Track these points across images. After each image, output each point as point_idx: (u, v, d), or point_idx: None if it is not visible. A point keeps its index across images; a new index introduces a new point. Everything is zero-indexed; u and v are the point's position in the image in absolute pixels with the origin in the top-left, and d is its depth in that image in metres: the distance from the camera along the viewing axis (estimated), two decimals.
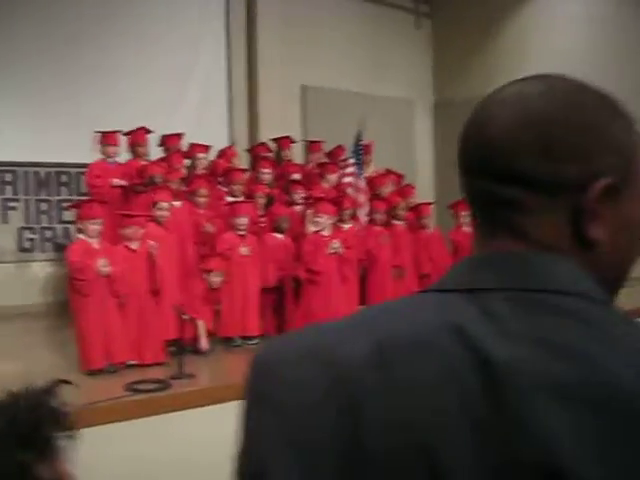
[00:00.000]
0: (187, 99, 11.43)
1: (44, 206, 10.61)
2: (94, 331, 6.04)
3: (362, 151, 8.01)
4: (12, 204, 10.38)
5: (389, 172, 9.46)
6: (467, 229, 8.95)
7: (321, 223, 7.61)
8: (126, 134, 8.23)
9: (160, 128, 8.86)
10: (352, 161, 7.85)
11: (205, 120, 11.44)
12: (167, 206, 6.86)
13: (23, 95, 10.23)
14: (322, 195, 8.10)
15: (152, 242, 6.48)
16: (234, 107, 12.15)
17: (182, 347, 6.15)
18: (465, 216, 8.95)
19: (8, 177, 10.41)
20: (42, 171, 10.53)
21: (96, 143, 7.87)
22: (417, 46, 14.81)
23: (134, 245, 6.47)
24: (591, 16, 13.07)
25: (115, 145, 7.90)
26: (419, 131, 14.83)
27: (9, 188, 10.40)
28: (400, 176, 9.51)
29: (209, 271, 6.88)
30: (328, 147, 10.82)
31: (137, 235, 6.47)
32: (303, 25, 12.78)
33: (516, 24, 13.97)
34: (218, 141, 10.41)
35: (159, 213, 6.78)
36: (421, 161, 14.80)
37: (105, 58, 10.81)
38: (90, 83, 10.66)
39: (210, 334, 7.03)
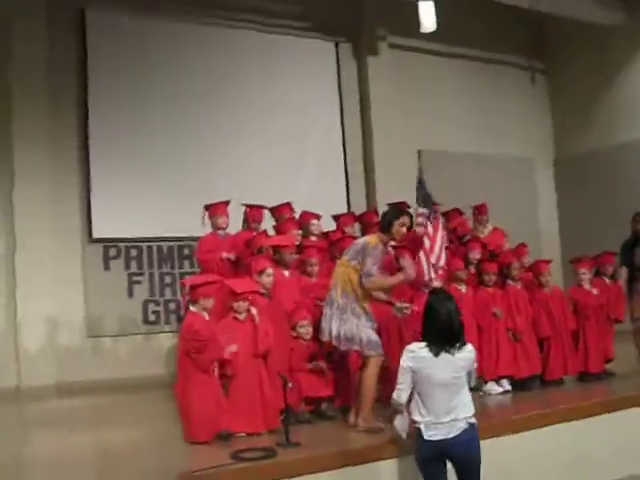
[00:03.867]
0: (304, 167, 11.68)
1: (168, 279, 10.99)
2: (198, 403, 6.17)
3: (428, 198, 7.73)
4: (137, 278, 10.81)
5: (498, 231, 9.28)
6: (587, 286, 8.69)
7: None
8: (246, 207, 8.38)
9: (277, 197, 8.99)
10: (421, 211, 7.59)
11: (322, 188, 11.65)
12: (270, 273, 6.96)
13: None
14: None
15: (254, 310, 6.58)
16: (351, 174, 12.30)
17: (288, 415, 6.16)
18: (585, 273, 8.73)
19: (133, 252, 10.87)
20: (165, 245, 10.92)
21: (205, 216, 8.04)
22: (533, 103, 14.65)
23: (241, 316, 6.59)
24: None
25: (223, 216, 8.01)
26: (541, 188, 14.56)
27: (134, 263, 10.86)
28: (505, 234, 9.28)
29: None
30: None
31: (244, 308, 6.59)
32: (414, 88, 12.90)
33: (632, 73, 13.64)
34: (337, 209, 10.48)
35: (263, 280, 6.90)
36: (545, 219, 14.50)
37: (222, 134, 11.26)
38: (219, 156, 11.13)
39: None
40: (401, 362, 5.12)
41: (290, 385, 6.15)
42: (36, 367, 9.87)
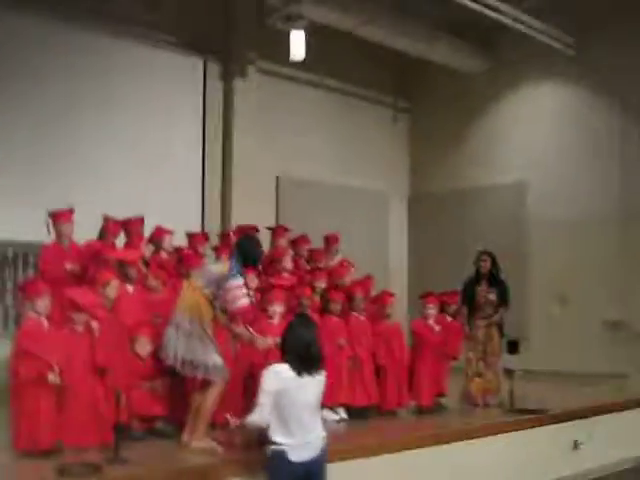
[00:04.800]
0: (160, 185, 11.53)
1: (9, 284, 10.60)
2: (27, 413, 5.99)
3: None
4: None
5: (347, 263, 9.47)
6: (431, 322, 8.97)
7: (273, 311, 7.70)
8: (107, 220, 8.22)
9: (131, 209, 8.86)
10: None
11: (178, 205, 11.56)
12: (114, 286, 6.88)
13: None
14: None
15: (94, 323, 6.47)
16: (208, 193, 12.27)
17: (119, 431, 6.07)
18: (432, 309, 9.01)
19: None
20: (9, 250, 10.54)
21: (49, 223, 7.79)
22: (393, 140, 15.08)
23: (80, 328, 6.46)
24: (563, 111, 13.38)
25: (68, 224, 7.75)
26: (393, 223, 14.98)
27: None
28: (351, 266, 9.47)
29: None
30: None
31: (83, 320, 6.46)
32: (280, 115, 13.02)
33: (491, 120, 14.35)
34: (190, 227, 10.40)
35: (106, 293, 6.80)
36: (395, 253, 14.91)
37: (81, 143, 11.00)
38: (63, 166, 10.83)
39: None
40: (263, 383, 5.13)
41: (123, 401, 6.08)
42: None
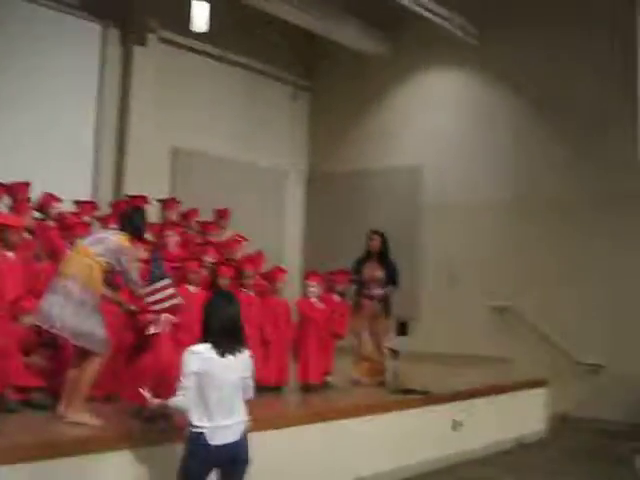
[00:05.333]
0: (52, 152, 11.21)
1: None
2: None
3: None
4: None
5: (240, 237, 9.42)
6: (314, 300, 8.99)
7: None
8: None
9: (19, 174, 8.58)
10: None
11: (68, 172, 11.28)
12: None
13: None
14: None
15: None
16: (101, 162, 11.99)
17: None
18: (314, 286, 9.03)
19: None
20: None
21: None
22: (293, 118, 15.04)
23: None
24: (461, 98, 13.61)
25: None
26: (290, 201, 14.97)
27: None
28: (242, 241, 9.42)
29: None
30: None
31: None
32: (179, 86, 12.83)
33: (390, 103, 14.47)
34: (81, 195, 10.15)
35: None
36: (291, 232, 14.92)
37: None
38: None
39: None
40: (184, 364, 4.90)
41: None
42: None
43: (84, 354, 6.29)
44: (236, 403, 5.01)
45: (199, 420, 4.91)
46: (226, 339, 4.94)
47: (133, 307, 6.83)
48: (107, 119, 12.09)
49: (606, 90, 12.13)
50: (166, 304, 6.70)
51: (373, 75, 14.52)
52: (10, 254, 7.13)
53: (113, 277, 6.69)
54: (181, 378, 4.92)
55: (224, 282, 8.33)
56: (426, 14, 12.13)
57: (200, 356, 4.89)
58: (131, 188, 11.41)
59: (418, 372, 10.13)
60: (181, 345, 6.71)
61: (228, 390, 4.93)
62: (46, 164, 10.74)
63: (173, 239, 8.87)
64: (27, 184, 8.44)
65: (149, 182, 11.60)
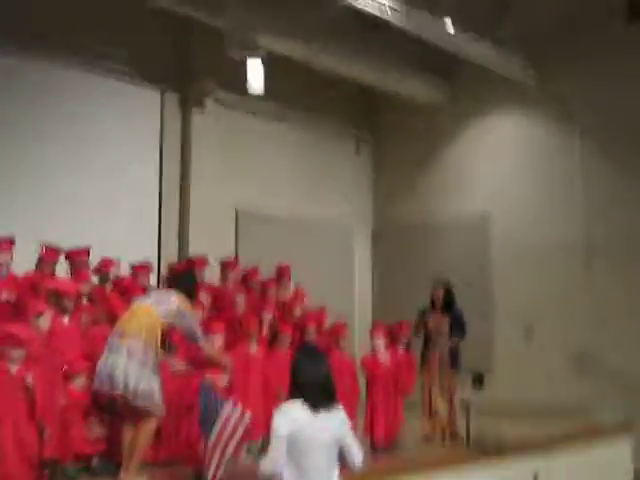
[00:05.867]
0: (117, 218, 11.29)
1: None
2: None
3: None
4: None
5: (301, 293, 9.30)
6: (380, 355, 8.76)
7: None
8: (43, 247, 7.99)
9: (88, 241, 8.63)
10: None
11: (134, 238, 11.34)
12: (47, 317, 6.66)
13: None
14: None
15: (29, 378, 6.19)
16: (165, 227, 12.06)
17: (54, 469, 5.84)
18: (379, 339, 8.81)
19: None
20: None
21: None
22: (356, 172, 14.97)
23: (14, 369, 6.20)
24: (524, 140, 13.38)
25: (4, 253, 7.56)
26: (358, 257, 14.80)
27: None
28: (304, 296, 9.30)
29: None
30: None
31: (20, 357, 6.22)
32: (241, 147, 12.89)
33: (453, 152, 14.34)
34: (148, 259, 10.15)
35: (39, 325, 6.58)
36: (360, 288, 14.73)
37: (39, 174, 10.79)
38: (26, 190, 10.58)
39: None
40: (274, 426, 4.45)
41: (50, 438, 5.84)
42: None
43: (140, 417, 6.21)
44: (331, 468, 4.55)
45: None
46: (318, 395, 4.50)
47: (185, 367, 6.79)
48: (170, 184, 12.16)
49: None
50: (240, 430, 6.26)
51: (435, 125, 14.38)
52: (65, 319, 7.15)
53: (170, 337, 6.66)
54: (271, 439, 4.49)
55: (284, 339, 8.20)
56: (481, 59, 11.98)
57: (290, 415, 4.46)
58: (196, 251, 11.37)
59: (494, 425, 9.73)
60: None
61: (322, 451, 4.47)
62: (111, 232, 10.81)
63: (241, 299, 8.81)
64: (86, 250, 8.46)
65: (213, 245, 11.57)
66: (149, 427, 6.24)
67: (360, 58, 12.46)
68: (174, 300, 6.44)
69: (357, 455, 4.62)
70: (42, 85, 10.91)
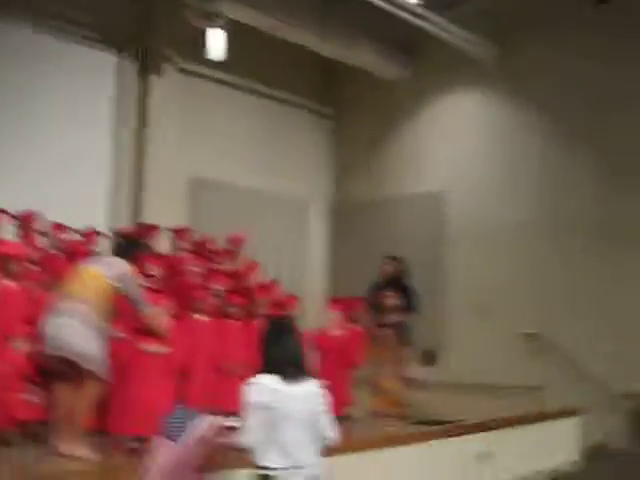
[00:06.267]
0: (68, 182, 11.11)
1: None
2: None
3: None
4: None
5: (253, 264, 9.20)
6: (332, 329, 8.70)
7: None
8: None
9: (40, 206, 8.48)
10: None
11: (86, 203, 11.16)
12: None
13: None
14: None
15: None
16: (119, 193, 11.89)
17: None
18: (334, 317, 8.74)
19: None
20: None
21: None
22: (316, 147, 14.86)
23: None
24: (483, 120, 13.33)
25: None
26: (313, 231, 14.74)
27: None
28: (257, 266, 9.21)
29: None
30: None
31: None
32: (197, 116, 12.71)
33: (412, 129, 14.26)
34: (99, 225, 9.99)
35: None
36: (314, 261, 14.68)
37: None
38: None
39: None
40: (247, 399, 4.34)
41: None
42: None
43: (83, 381, 6.08)
44: (312, 442, 4.46)
45: (269, 461, 4.35)
46: (290, 368, 4.44)
47: (122, 334, 6.71)
48: (125, 149, 11.99)
49: None
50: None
51: (395, 101, 14.30)
52: (12, 284, 6.99)
53: (116, 303, 6.56)
54: (245, 411, 4.37)
55: (234, 310, 8.11)
56: (444, 35, 11.91)
57: (264, 387, 4.37)
58: (149, 218, 11.25)
59: (443, 403, 9.74)
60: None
61: (299, 426, 4.39)
62: (62, 193, 10.66)
63: (192, 268, 8.70)
64: (35, 213, 8.32)
65: (168, 212, 11.45)
66: (91, 392, 6.11)
67: (323, 30, 12.33)
68: (121, 265, 6.40)
69: (329, 431, 4.56)
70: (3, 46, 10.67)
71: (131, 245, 6.77)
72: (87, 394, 6.11)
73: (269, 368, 4.46)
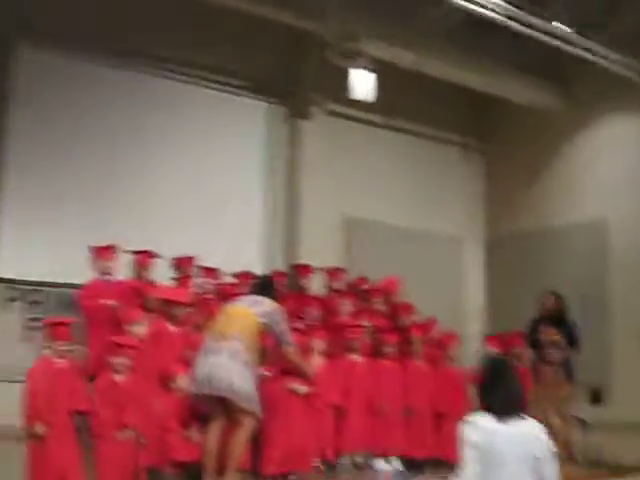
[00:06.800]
0: (222, 227, 11.32)
1: None
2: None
3: None
4: (36, 324, 10.28)
5: (407, 304, 9.04)
6: None
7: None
8: (134, 253, 8.06)
9: (191, 249, 8.73)
10: None
11: (240, 249, 11.33)
12: (143, 324, 6.68)
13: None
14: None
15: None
16: (273, 237, 12.05)
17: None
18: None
19: (35, 296, 10.39)
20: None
21: (91, 259, 7.69)
22: (467, 181, 14.58)
23: (118, 377, 6.24)
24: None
25: (109, 261, 7.65)
26: (468, 267, 14.41)
27: (35, 307, 10.36)
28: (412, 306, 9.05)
29: None
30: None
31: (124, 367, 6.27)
32: (348, 154, 12.74)
33: (567, 157, 13.74)
34: (253, 268, 10.11)
35: (135, 331, 6.59)
36: (471, 298, 14.33)
37: (142, 180, 10.95)
38: (137, 204, 10.77)
39: None
40: (463, 435, 4.24)
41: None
42: None
43: (238, 420, 6.09)
44: None
45: None
46: (507, 408, 4.23)
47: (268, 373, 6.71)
48: (276, 192, 12.15)
49: None
50: None
51: (547, 130, 13.82)
52: (173, 328, 7.14)
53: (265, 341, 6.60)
54: (463, 450, 4.23)
55: (389, 350, 7.98)
56: (600, 61, 11.46)
57: (479, 426, 4.22)
58: (303, 259, 11.31)
59: (611, 443, 9.20)
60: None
61: (516, 467, 4.14)
62: (216, 237, 10.89)
63: (345, 308, 8.67)
64: (191, 258, 8.52)
65: (321, 252, 11.48)
66: (248, 430, 6.13)
67: (469, 62, 12.07)
68: (268, 302, 6.49)
69: (550, 476, 4.26)
70: (146, 95, 11.08)
71: (271, 285, 6.78)
72: (243, 433, 6.12)
73: (486, 407, 4.28)
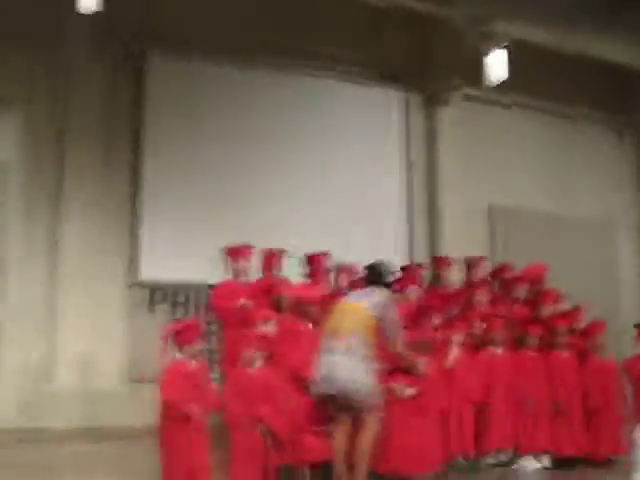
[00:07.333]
0: (364, 219, 11.27)
1: (214, 327, 10.59)
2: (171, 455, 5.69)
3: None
4: None
5: (552, 293, 8.59)
6: None
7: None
8: (264, 252, 8.05)
9: (334, 249, 8.57)
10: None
11: (380, 241, 11.20)
12: (273, 323, 6.60)
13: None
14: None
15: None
16: (414, 226, 11.84)
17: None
18: None
19: (180, 297, 10.61)
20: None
21: (226, 259, 7.72)
22: (618, 162, 13.78)
23: (251, 370, 6.21)
24: None
25: (244, 261, 7.66)
26: (622, 253, 13.64)
27: (180, 308, 10.58)
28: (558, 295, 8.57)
29: None
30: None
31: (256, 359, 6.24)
32: (487, 139, 12.37)
33: None
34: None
35: (266, 330, 6.53)
36: (627, 286, 13.56)
37: (276, 180, 10.96)
38: (274, 202, 10.84)
39: None
40: (636, 437, 4.29)
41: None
42: (70, 409, 9.61)
43: (363, 419, 5.93)
44: None
45: None
46: None
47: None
48: (417, 181, 11.92)
49: None
50: None
51: None
52: (309, 326, 7.04)
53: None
54: (634, 456, 4.31)
55: (531, 341, 7.61)
56: None
57: None
58: (446, 249, 11.17)
59: None
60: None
61: None
62: (357, 230, 10.88)
63: (485, 299, 8.33)
64: (324, 255, 8.39)
65: (465, 242, 11.21)
66: (374, 428, 5.95)
67: (609, 37, 11.43)
68: (378, 292, 6.27)
69: None
70: (278, 93, 11.12)
71: (380, 274, 6.52)
72: (369, 431, 5.96)
73: None
